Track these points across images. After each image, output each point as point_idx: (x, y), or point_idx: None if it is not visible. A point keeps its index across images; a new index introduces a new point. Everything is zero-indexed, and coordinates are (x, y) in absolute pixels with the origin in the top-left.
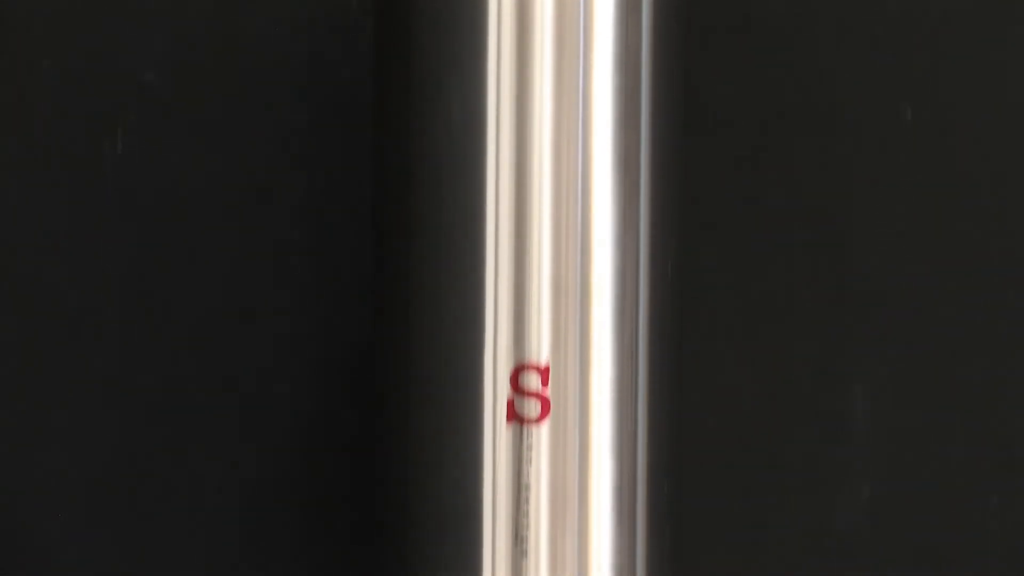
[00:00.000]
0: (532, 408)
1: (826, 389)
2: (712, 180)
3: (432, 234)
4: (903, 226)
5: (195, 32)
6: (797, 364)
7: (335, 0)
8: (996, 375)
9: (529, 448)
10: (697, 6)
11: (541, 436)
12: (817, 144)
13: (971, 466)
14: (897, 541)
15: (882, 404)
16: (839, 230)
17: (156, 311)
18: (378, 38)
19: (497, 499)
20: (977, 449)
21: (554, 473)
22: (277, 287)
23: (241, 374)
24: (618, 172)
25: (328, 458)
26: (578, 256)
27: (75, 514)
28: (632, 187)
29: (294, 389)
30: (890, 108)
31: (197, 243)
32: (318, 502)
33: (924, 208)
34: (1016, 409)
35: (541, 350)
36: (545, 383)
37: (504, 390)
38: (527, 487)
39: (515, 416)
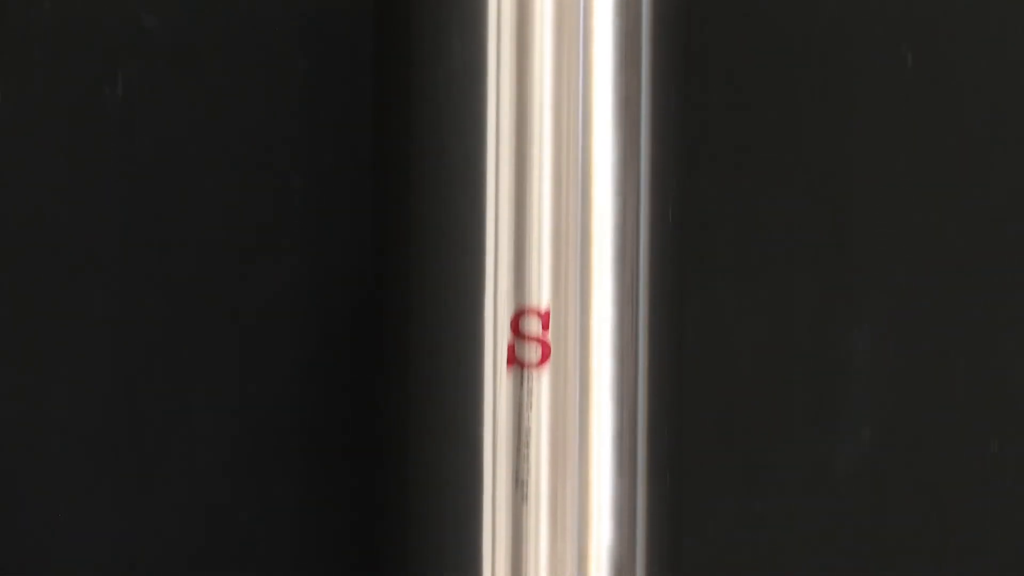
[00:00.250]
0: (533, 352)
1: (827, 331)
2: (712, 123)
3: (432, 177)
4: (904, 166)
5: None
6: (798, 305)
7: None
8: (997, 317)
9: (529, 392)
10: None
11: (542, 380)
12: (818, 83)
13: (971, 410)
14: (897, 484)
15: (883, 347)
16: (840, 170)
17: (157, 255)
18: None
19: (497, 443)
20: (977, 393)
21: (554, 417)
22: (278, 231)
23: (241, 320)
24: (618, 114)
25: (329, 400)
26: (578, 200)
27: (74, 459)
28: (632, 129)
29: (294, 334)
30: (892, 49)
31: (197, 186)
32: (319, 454)
33: (926, 147)
34: (1017, 352)
35: (542, 294)
36: (546, 327)
37: (504, 334)
38: (527, 431)
39: (515, 360)
